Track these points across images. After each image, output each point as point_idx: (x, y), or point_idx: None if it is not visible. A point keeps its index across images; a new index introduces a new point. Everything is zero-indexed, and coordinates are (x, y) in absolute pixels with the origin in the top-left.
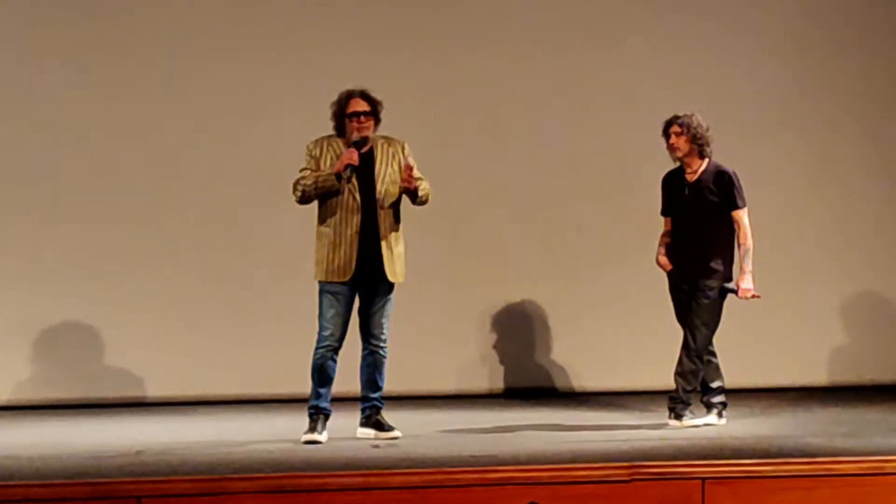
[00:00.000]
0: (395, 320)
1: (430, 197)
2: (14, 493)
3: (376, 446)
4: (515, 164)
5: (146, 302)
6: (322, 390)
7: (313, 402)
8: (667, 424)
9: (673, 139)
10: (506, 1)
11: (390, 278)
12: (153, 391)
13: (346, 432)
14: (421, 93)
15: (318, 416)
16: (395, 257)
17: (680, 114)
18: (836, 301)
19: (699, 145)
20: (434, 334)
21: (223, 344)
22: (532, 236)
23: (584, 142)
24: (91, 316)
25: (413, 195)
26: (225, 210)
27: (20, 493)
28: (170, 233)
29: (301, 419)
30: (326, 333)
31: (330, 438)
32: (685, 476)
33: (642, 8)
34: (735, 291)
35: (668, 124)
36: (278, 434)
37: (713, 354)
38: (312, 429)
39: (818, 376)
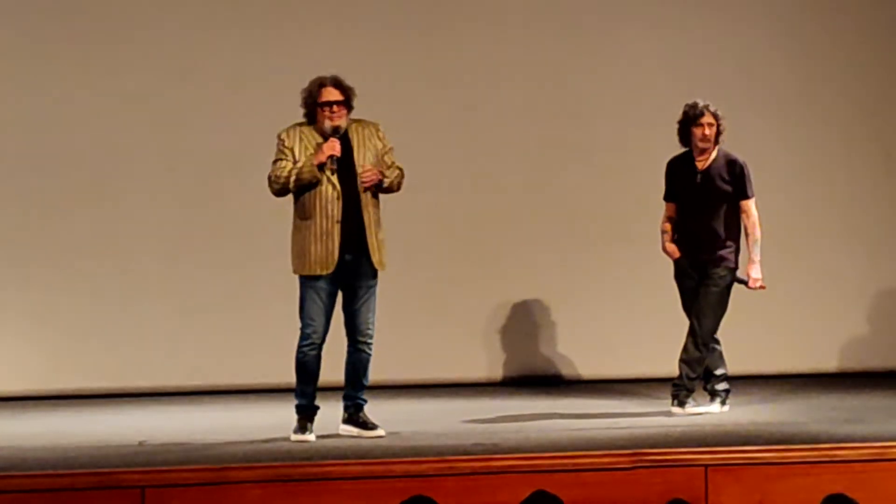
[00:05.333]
0: (393, 308)
1: (402, 182)
2: (18, 483)
3: (380, 437)
4: (518, 151)
5: (149, 291)
6: (307, 388)
7: (300, 402)
8: (670, 412)
9: (707, 129)
10: None
11: (377, 266)
12: (156, 381)
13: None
14: (420, 79)
15: (305, 414)
16: (379, 244)
17: (700, 101)
18: (840, 288)
19: (720, 135)
20: (432, 322)
21: (225, 334)
22: (533, 222)
23: (585, 127)
24: (95, 306)
25: (377, 188)
26: (227, 199)
27: (24, 483)
28: (170, 222)
29: None
30: (309, 330)
31: (332, 428)
32: (688, 463)
33: None
34: (745, 282)
35: (700, 113)
36: (281, 424)
37: (717, 342)
38: (302, 428)
39: (821, 363)
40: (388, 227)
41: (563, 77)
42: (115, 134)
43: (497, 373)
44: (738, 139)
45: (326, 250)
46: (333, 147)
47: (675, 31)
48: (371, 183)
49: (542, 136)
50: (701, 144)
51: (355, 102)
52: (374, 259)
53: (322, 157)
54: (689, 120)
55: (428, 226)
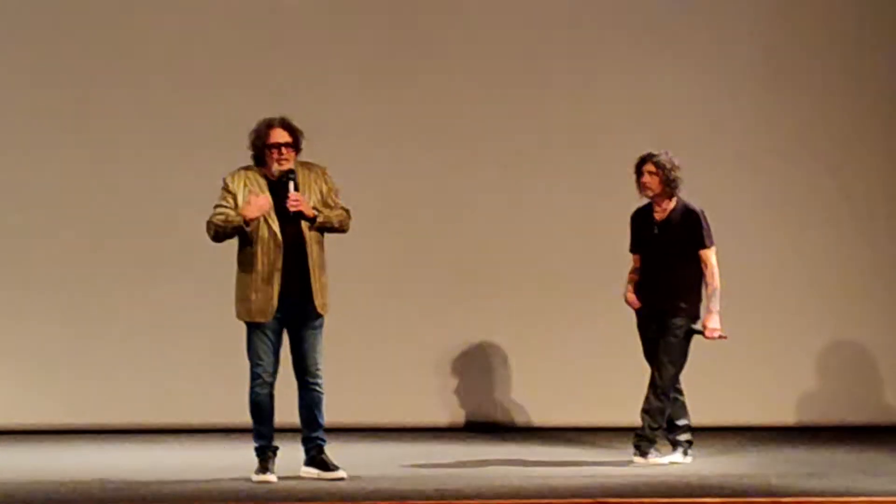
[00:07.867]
0: (354, 352)
1: (348, 223)
2: None
3: (342, 478)
4: (482, 197)
5: (118, 328)
6: (264, 429)
7: (259, 443)
8: (632, 461)
9: (646, 178)
10: (476, 36)
11: (320, 310)
12: (118, 419)
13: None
14: (389, 125)
15: (265, 455)
16: (322, 288)
17: (654, 151)
18: (803, 341)
19: (670, 186)
20: (394, 366)
21: (186, 372)
22: (496, 270)
23: (550, 175)
24: (54, 343)
25: (310, 221)
26: (196, 236)
27: None
28: (148, 256)
29: None
30: (258, 370)
31: (294, 469)
32: None
33: (609, 48)
34: (702, 332)
35: (643, 161)
36: (242, 464)
37: (679, 392)
38: (264, 468)
39: (785, 416)
40: (352, 270)
41: (531, 125)
42: (86, 161)
43: (460, 418)
44: (702, 190)
45: (266, 298)
46: (262, 207)
47: (644, 80)
48: (296, 208)
49: (507, 184)
50: (641, 193)
51: (304, 144)
52: (317, 303)
53: (251, 214)
54: (636, 169)
55: (392, 270)
